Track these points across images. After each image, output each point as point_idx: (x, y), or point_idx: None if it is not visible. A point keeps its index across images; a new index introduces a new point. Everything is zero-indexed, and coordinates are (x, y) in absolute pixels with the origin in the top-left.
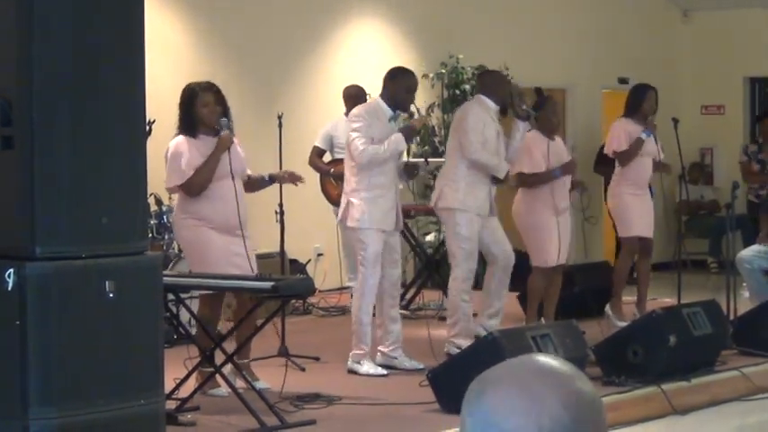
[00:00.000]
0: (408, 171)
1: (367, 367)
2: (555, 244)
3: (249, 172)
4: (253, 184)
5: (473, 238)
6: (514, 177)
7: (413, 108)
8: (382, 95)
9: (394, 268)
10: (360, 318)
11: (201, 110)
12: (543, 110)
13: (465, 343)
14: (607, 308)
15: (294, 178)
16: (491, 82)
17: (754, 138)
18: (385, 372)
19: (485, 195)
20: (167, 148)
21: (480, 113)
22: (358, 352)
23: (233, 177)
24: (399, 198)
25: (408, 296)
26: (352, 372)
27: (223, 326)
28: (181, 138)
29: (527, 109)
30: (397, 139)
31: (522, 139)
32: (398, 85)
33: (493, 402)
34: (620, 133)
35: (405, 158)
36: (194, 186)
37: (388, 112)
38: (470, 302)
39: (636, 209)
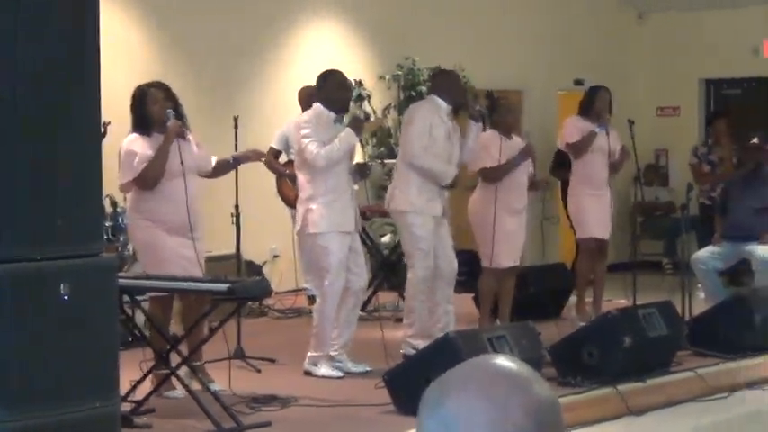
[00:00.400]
0: (360, 171)
1: (324, 369)
2: (508, 245)
3: (214, 161)
4: (218, 169)
5: (429, 238)
6: (476, 174)
7: (368, 109)
8: (320, 101)
9: (359, 276)
10: (322, 322)
11: (152, 107)
12: (497, 112)
13: (421, 344)
14: (567, 309)
15: (258, 155)
16: (444, 81)
17: (707, 139)
18: (341, 374)
19: (435, 196)
20: (120, 147)
21: (428, 115)
22: (316, 354)
23: (185, 176)
24: (356, 199)
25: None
26: (308, 373)
27: (175, 328)
28: (134, 135)
29: (480, 109)
30: (347, 133)
31: (476, 139)
32: (331, 84)
33: (454, 408)
34: (571, 129)
35: (356, 159)
36: (148, 180)
37: (331, 115)
38: (427, 303)
39: (593, 211)
